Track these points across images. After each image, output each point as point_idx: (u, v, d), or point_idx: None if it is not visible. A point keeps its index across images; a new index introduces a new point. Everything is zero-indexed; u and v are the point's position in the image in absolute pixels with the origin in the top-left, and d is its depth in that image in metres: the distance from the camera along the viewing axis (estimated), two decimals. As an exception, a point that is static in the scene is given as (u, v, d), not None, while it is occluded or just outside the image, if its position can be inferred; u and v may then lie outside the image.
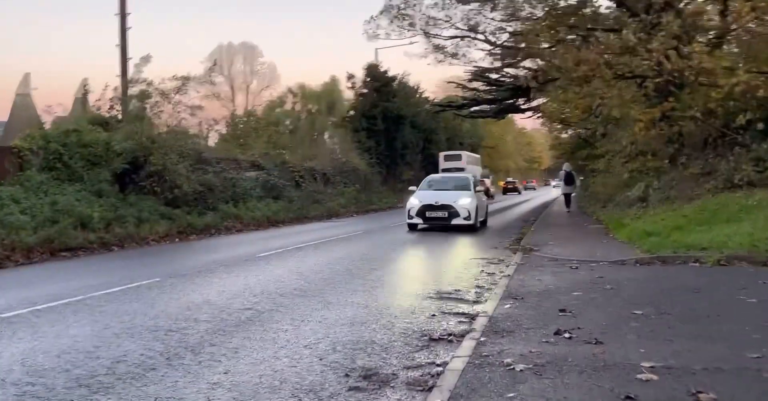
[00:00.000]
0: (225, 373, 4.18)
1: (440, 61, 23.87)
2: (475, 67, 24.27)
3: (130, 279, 8.24)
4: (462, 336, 5.19)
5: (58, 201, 12.90)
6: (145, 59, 16.17)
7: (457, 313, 6.20)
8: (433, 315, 6.10)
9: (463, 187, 17.24)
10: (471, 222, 15.84)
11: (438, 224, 16.00)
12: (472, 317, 5.93)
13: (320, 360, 4.48)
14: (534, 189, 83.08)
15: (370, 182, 36.25)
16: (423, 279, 8.37)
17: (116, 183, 15.57)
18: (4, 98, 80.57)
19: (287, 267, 9.54)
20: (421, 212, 16.10)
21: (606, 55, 12.48)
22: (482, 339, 4.94)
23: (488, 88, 30.13)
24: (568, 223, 18.22)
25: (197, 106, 16.78)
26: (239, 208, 19.16)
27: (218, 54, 77.62)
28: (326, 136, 57.08)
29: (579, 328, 5.14)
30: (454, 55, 23.66)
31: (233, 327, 5.52)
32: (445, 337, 5.19)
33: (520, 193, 66.53)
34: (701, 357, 4.17)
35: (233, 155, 23.81)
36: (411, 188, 18.53)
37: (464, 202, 16.06)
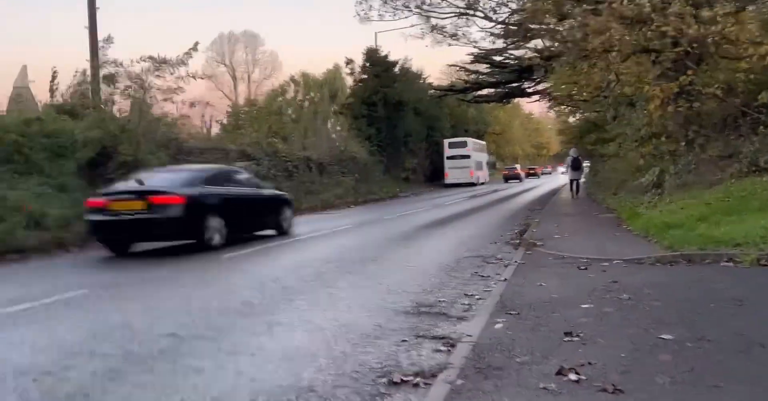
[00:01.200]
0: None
1: (438, 42, 22.47)
2: (476, 47, 22.80)
3: (55, 290, 6.96)
4: (434, 375, 3.88)
5: (7, 197, 11.64)
6: (108, 40, 14.83)
7: (435, 337, 4.87)
8: (404, 340, 4.77)
9: None
10: None
11: None
12: (452, 343, 4.61)
13: (223, 426, 3.17)
14: (550, 174, 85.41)
15: (371, 171, 34.85)
16: (404, 285, 7.06)
17: (83, 176, 14.28)
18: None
19: (245, 274, 8.25)
20: None
21: (619, 25, 11.01)
22: (459, 381, 3.64)
23: (491, 70, 28.68)
24: (577, 212, 16.82)
25: (176, 89, 15.33)
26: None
27: (219, 43, 76.51)
28: (329, 124, 55.63)
29: (590, 364, 3.82)
30: (453, 36, 22.19)
31: (134, 365, 4.21)
32: (410, 379, 3.86)
33: (539, 177, 73.54)
34: (773, 425, 2.83)
35: (221, 145, 22.50)
36: None
37: None
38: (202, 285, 7.48)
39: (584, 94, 13.06)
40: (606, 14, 11.06)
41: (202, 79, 15.66)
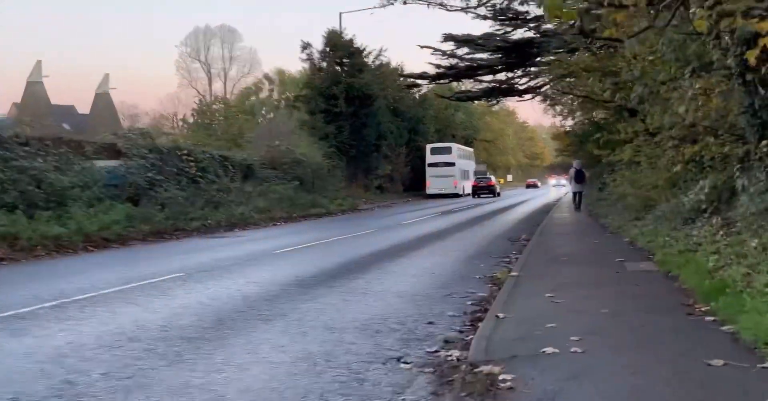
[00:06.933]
0: None
1: (406, 3, 15.94)
2: (450, 8, 16.25)
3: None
4: None
5: None
6: None
7: None
8: None
9: None
10: None
11: None
12: None
13: None
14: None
15: (324, 178, 28.16)
16: None
17: None
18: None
19: None
20: None
21: None
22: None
23: (470, 51, 22.17)
24: (586, 255, 10.11)
25: None
26: (19, 220, 11.21)
27: (194, 38, 69.86)
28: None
29: None
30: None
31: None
32: None
33: (538, 187, 75.15)
34: None
35: (71, 136, 15.92)
36: None
37: None
38: None
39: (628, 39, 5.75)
40: None
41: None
